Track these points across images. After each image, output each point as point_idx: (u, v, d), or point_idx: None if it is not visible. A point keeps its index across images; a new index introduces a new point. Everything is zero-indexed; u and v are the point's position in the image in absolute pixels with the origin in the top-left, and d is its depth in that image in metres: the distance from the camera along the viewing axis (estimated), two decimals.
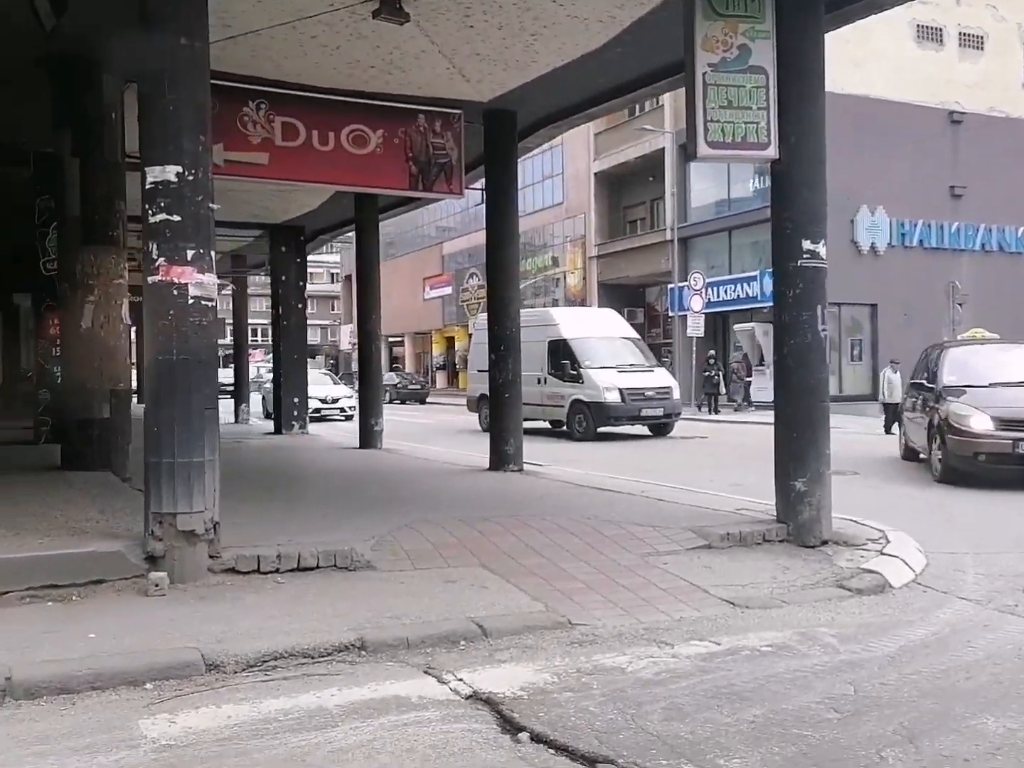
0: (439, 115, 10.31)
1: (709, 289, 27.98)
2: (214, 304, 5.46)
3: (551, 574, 5.60)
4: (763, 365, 26.45)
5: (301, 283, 18.24)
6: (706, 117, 6.50)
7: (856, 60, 26.02)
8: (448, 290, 45.55)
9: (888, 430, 19.35)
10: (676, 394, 18.21)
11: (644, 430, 18.46)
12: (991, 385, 10.72)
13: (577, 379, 17.95)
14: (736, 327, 28.88)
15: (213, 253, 5.49)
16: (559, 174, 37.28)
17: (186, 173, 5.27)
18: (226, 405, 24.39)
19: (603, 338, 19.03)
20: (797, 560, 6.34)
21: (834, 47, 25.02)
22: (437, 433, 19.65)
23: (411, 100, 10.10)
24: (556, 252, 38.02)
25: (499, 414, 10.67)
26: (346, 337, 62.52)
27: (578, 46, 8.68)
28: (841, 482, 8.51)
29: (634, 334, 20.53)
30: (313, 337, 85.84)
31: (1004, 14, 28.20)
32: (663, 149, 30.61)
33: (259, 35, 8.40)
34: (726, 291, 28.47)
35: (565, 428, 18.36)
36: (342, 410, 24.36)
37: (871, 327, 27.39)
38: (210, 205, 5.46)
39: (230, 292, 23.36)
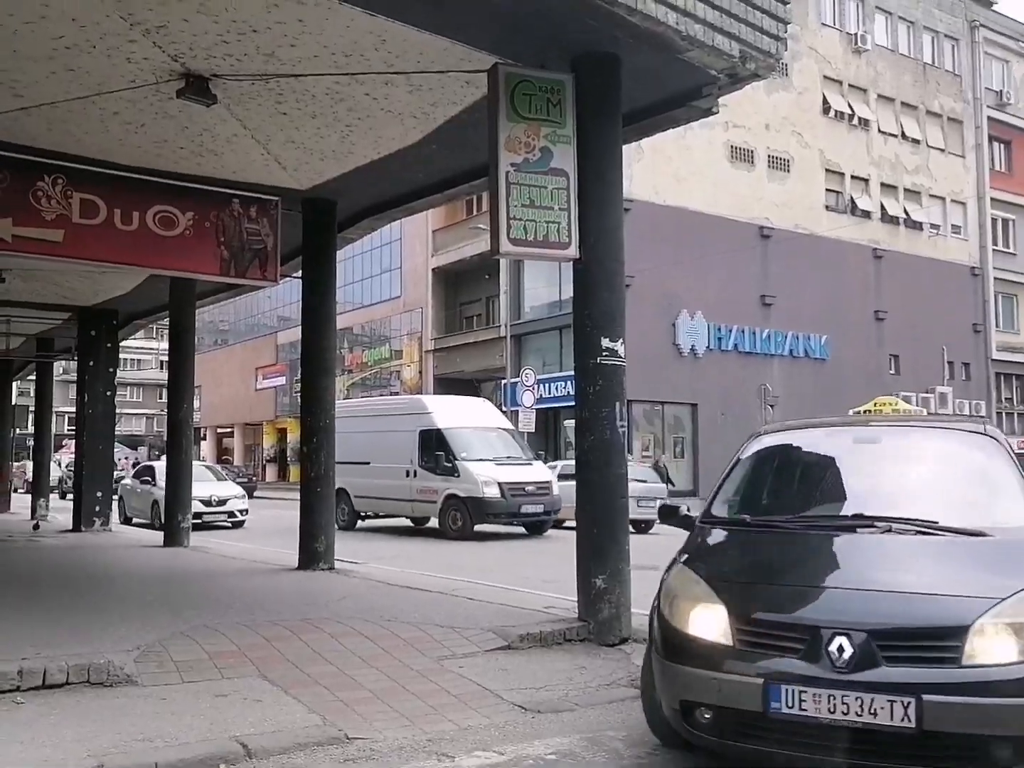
0: (255, 201, 10.10)
1: (541, 385, 28.50)
2: None
3: (336, 683, 5.23)
4: None
5: (111, 369, 17.20)
6: (509, 214, 6.57)
7: (678, 176, 27.87)
8: (282, 380, 44.48)
9: None
10: (556, 490, 16.90)
11: (519, 528, 17.07)
12: None
13: (452, 472, 16.67)
14: (566, 422, 29.46)
15: None
16: (397, 268, 37.53)
17: None
18: (23, 500, 22.61)
19: (479, 428, 17.81)
20: (596, 659, 6.22)
21: (658, 162, 26.86)
22: (260, 530, 18.66)
23: (225, 184, 9.85)
24: (394, 345, 37.94)
25: (310, 509, 10.21)
26: None
27: (394, 140, 8.73)
28: (648, 577, 8.45)
29: (509, 425, 19.49)
30: (138, 426, 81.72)
31: (808, 141, 31.00)
32: None
33: (56, 108, 8.01)
34: (557, 387, 29.08)
35: (437, 526, 17.02)
36: (231, 515, 19.51)
37: (692, 425, 28.56)
38: None
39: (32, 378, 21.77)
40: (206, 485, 19.04)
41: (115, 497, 19.71)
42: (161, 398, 75.03)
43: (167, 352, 14.43)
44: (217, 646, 5.65)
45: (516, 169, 6.65)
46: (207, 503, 18.91)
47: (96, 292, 15.74)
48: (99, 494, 16.60)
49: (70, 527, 16.67)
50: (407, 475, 17.47)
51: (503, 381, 30.56)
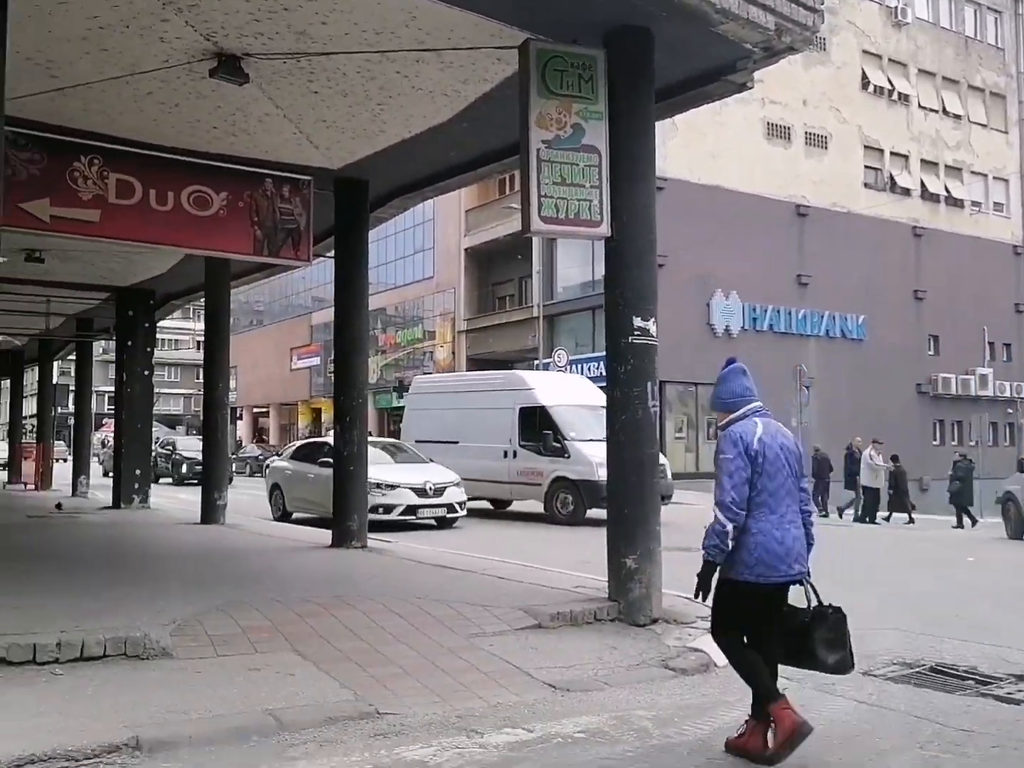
0: (287, 180, 10.11)
1: (574, 366, 28.44)
2: None
3: (367, 659, 5.28)
4: None
5: (149, 349, 17.41)
6: (540, 192, 6.53)
7: (713, 153, 27.53)
8: (316, 360, 44.77)
9: (869, 518, 18.65)
10: (668, 474, 15.78)
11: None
12: None
13: (561, 453, 15.55)
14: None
15: None
16: (430, 248, 37.55)
17: None
18: (65, 476, 22.86)
19: (585, 407, 16.25)
20: (625, 639, 6.22)
21: (693, 140, 26.53)
22: None
23: (258, 164, 9.87)
24: (427, 325, 38.03)
25: (343, 489, 10.28)
26: None
27: (425, 118, 8.69)
28: (680, 559, 8.41)
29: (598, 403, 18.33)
30: (176, 406, 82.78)
31: (846, 116, 30.45)
32: None
33: (90, 88, 8.06)
34: (590, 368, 28.96)
35: (542, 510, 15.92)
36: (450, 508, 14.63)
37: None
38: None
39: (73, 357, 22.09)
40: (413, 471, 14.75)
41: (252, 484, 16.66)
42: (198, 378, 76.00)
43: (203, 332, 14.55)
44: (251, 621, 5.72)
45: (547, 146, 6.59)
46: (422, 492, 14.23)
47: (133, 272, 15.91)
48: (138, 472, 16.83)
49: (109, 504, 16.98)
50: (505, 455, 16.50)
51: (536, 362, 30.54)
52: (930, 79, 32.25)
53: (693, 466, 27.76)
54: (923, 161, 31.93)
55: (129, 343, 17.12)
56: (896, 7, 31.34)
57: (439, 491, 14.50)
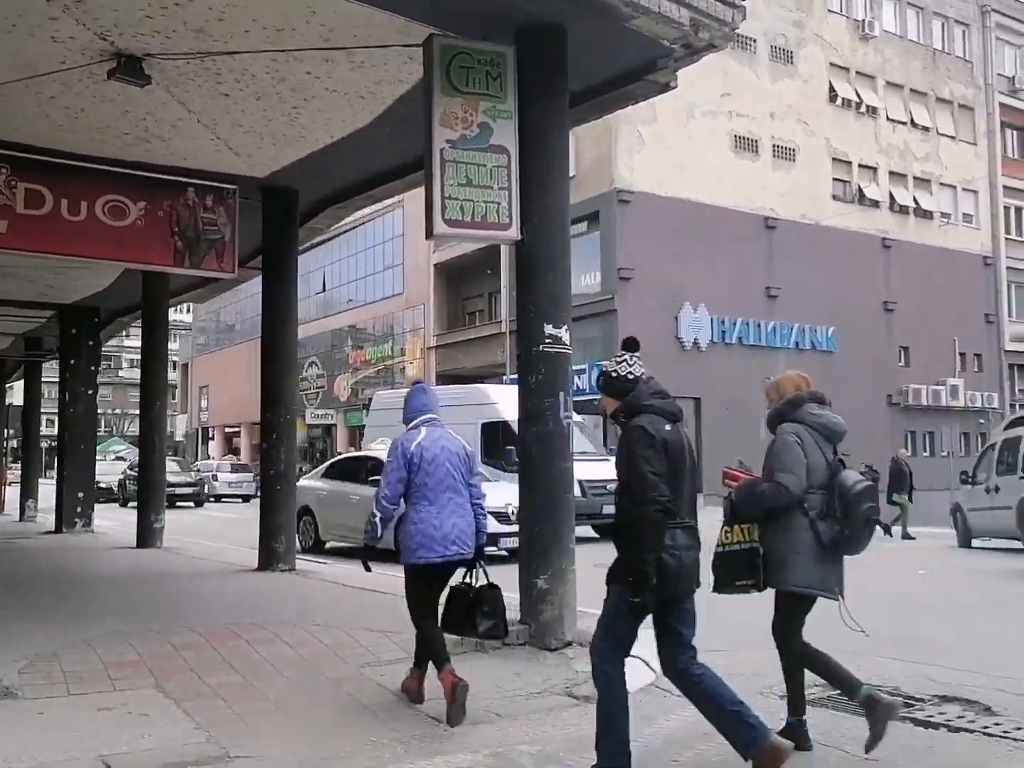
0: (211, 189, 9.77)
1: None
2: None
3: (237, 695, 4.88)
4: None
5: (93, 368, 16.94)
6: (444, 194, 6.20)
7: (680, 166, 27.37)
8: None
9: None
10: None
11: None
12: None
13: None
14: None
15: None
16: (399, 264, 37.24)
17: None
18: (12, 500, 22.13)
19: None
20: (533, 665, 5.85)
21: (660, 152, 26.30)
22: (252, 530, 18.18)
23: (179, 172, 9.53)
24: (397, 342, 37.68)
25: (270, 508, 9.89)
26: (181, 427, 59.82)
27: (345, 122, 8.38)
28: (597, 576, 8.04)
29: (578, 417, 17.38)
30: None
31: (814, 129, 30.38)
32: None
33: None
34: None
35: None
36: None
37: (695, 421, 28.03)
38: None
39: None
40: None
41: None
42: (174, 398, 75.27)
43: (140, 350, 14.13)
44: (118, 655, 5.31)
45: (452, 146, 6.27)
46: (504, 518, 11.27)
47: (74, 289, 15.48)
48: (80, 495, 16.33)
49: (53, 528, 16.45)
50: None
51: (504, 377, 30.22)
52: (898, 91, 32.27)
53: None
54: (891, 173, 31.89)
55: (72, 362, 16.68)
56: (863, 20, 31.39)
57: None
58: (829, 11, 30.91)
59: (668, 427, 3.77)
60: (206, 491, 31.65)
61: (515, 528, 10.26)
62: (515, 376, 23.72)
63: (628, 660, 6.17)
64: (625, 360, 3.90)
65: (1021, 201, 35.24)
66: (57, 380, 17.33)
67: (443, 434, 4.97)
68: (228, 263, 9.88)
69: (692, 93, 28.01)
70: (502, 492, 11.71)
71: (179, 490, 28.25)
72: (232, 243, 9.86)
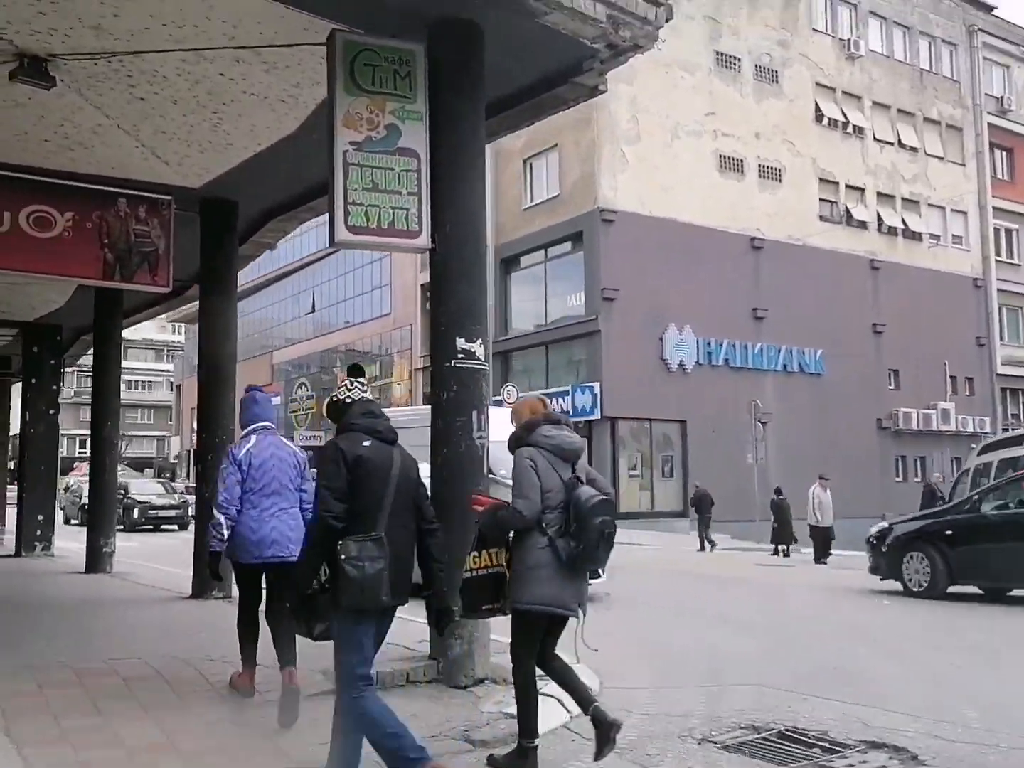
0: (144, 200, 9.43)
1: None
2: None
3: (91, 740, 4.42)
4: None
5: (55, 387, 16.57)
6: (347, 199, 5.84)
7: (665, 186, 27.08)
8: (277, 400, 43.90)
9: (820, 559, 17.73)
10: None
11: None
12: None
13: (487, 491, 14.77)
14: None
15: None
16: (387, 285, 36.97)
17: None
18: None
19: None
20: (435, 705, 5.41)
21: (644, 172, 26.02)
22: None
23: (109, 182, 9.19)
24: (384, 363, 37.33)
25: (204, 534, 9.44)
26: (175, 448, 59.35)
27: (270, 129, 8.05)
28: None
29: None
30: (150, 449, 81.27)
31: (800, 149, 30.11)
32: None
33: None
34: None
35: None
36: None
37: (681, 443, 27.61)
38: None
39: None
40: None
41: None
42: (171, 420, 74.71)
43: (91, 369, 13.74)
44: None
45: (357, 148, 5.92)
46: None
47: (31, 306, 15.16)
48: (40, 517, 15.92)
49: (12, 552, 16.01)
50: None
51: (492, 398, 29.80)
52: (885, 112, 32.02)
53: (648, 504, 26.94)
54: (879, 194, 31.57)
55: (33, 381, 16.31)
56: (849, 39, 31.21)
57: None
58: (814, 30, 30.73)
59: (367, 443, 3.85)
60: (190, 513, 31.10)
61: None
62: (497, 397, 23.21)
63: (542, 699, 5.79)
64: (345, 385, 4.07)
65: (1011, 223, 34.90)
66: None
67: (273, 441, 5.19)
68: (162, 277, 9.52)
69: (676, 112, 27.86)
70: None
71: (162, 513, 27.48)
72: (167, 256, 9.50)
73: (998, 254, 34.30)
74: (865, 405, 29.83)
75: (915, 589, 10.99)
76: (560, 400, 27.72)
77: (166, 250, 9.51)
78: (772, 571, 16.55)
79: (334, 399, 4.08)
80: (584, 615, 4.43)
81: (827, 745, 4.97)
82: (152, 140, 8.35)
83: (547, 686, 5.82)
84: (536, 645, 4.51)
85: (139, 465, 66.21)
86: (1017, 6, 61.73)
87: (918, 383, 31.12)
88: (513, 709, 5.32)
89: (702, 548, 20.70)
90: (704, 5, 28.36)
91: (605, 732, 4.32)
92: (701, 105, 28.24)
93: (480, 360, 6.04)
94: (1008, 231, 34.92)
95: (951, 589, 10.94)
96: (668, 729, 5.38)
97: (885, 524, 12.35)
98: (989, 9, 36.21)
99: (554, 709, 5.49)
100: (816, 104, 30.43)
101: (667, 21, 6.37)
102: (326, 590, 3.98)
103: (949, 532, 10.77)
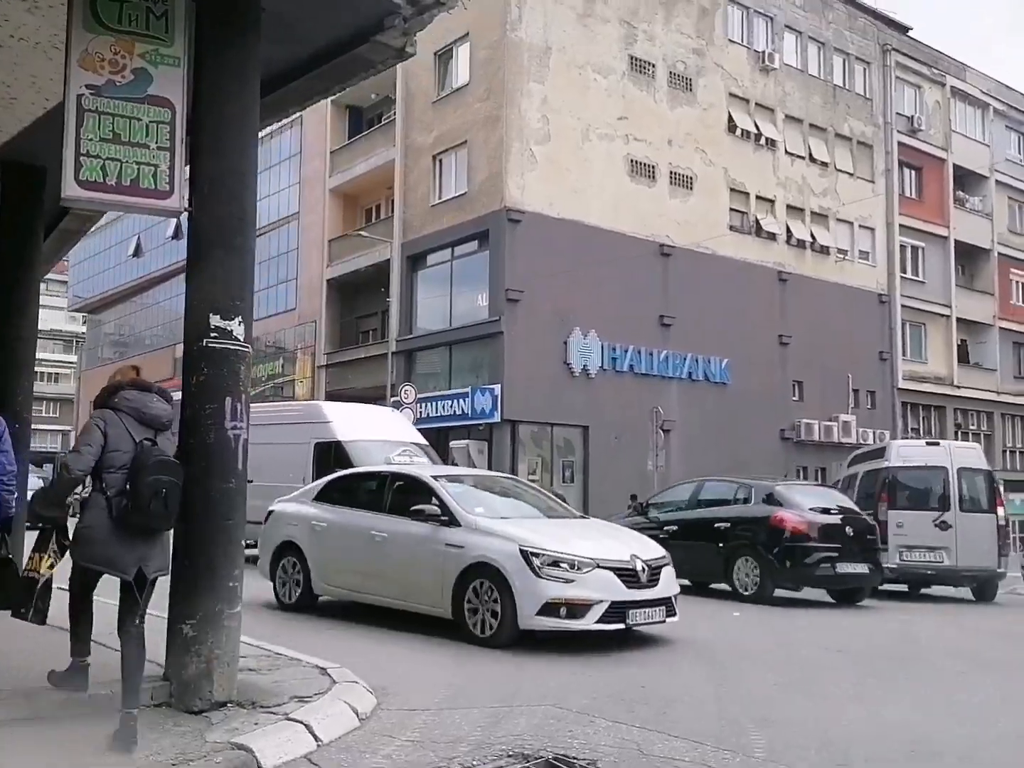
0: None
1: (428, 404, 27.08)
2: None
3: None
4: None
5: None
6: (79, 150, 5.09)
7: (575, 188, 26.68)
8: (179, 395, 42.36)
9: None
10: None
11: None
12: None
13: None
14: (452, 444, 27.93)
15: None
16: (293, 279, 35.90)
17: None
18: None
19: (387, 442, 15.24)
20: (152, 733, 4.67)
21: (554, 173, 25.44)
22: None
23: None
24: (287, 359, 36.23)
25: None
26: (72, 442, 57.02)
27: (53, 81, 7.16)
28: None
29: (422, 439, 16.85)
30: (54, 443, 78.02)
31: (712, 158, 30.02)
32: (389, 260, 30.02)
33: None
34: (444, 407, 27.60)
35: None
36: (668, 607, 8.26)
37: (583, 449, 27.20)
38: None
39: None
40: (585, 533, 8.60)
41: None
42: (74, 413, 71.97)
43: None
44: None
45: (95, 93, 5.18)
46: (631, 578, 7.94)
47: None
48: None
49: None
50: None
51: (391, 398, 29.00)
52: (797, 125, 32.17)
53: None
54: (789, 206, 31.68)
55: None
56: (764, 52, 31.27)
57: (655, 575, 8.18)
58: (730, 41, 30.71)
59: None
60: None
61: (648, 594, 7.82)
62: (395, 398, 22.23)
63: (285, 724, 5.09)
64: None
65: (917, 240, 35.41)
66: None
67: None
68: None
69: (588, 114, 27.48)
70: (617, 537, 8.71)
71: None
72: None
73: (903, 271, 34.77)
74: (769, 415, 29.85)
75: None
76: (461, 402, 27.10)
77: None
78: None
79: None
80: (150, 581, 4.64)
81: None
82: None
83: (297, 711, 5.18)
84: (89, 592, 4.85)
85: (39, 461, 63.57)
86: (931, 28, 63.28)
87: (821, 395, 31.30)
88: (245, 739, 4.67)
89: None
90: (619, 8, 28.10)
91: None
92: (614, 109, 27.94)
93: (238, 340, 5.34)
94: (914, 248, 35.43)
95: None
96: (427, 759, 4.76)
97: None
98: (904, 29, 36.79)
99: (295, 737, 4.83)
100: (729, 114, 30.40)
101: None
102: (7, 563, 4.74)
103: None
